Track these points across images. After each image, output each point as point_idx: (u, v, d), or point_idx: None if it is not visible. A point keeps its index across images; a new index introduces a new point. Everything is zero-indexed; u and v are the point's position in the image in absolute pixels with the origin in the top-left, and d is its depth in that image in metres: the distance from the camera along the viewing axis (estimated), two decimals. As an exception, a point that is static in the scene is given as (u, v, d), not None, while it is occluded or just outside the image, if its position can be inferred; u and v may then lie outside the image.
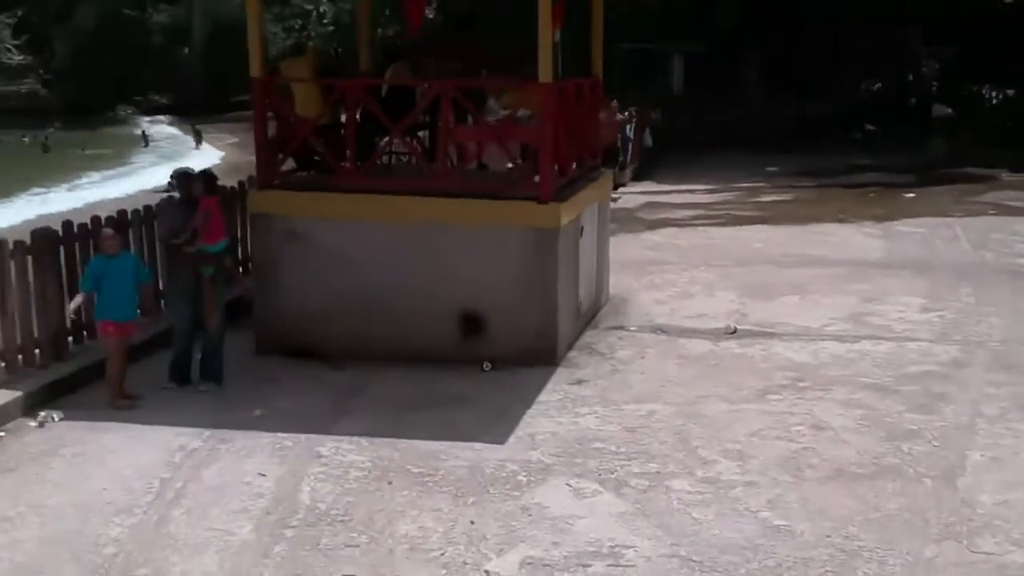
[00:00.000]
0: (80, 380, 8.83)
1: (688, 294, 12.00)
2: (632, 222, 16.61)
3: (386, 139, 10.17)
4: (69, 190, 31.19)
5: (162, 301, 10.11)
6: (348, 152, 9.65)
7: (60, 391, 8.59)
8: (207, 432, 7.71)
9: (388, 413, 8.13)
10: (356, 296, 9.44)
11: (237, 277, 9.47)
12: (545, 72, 8.98)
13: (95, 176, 34.32)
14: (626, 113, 22.00)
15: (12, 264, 8.46)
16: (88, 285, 8.30)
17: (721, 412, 8.07)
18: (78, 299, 8.49)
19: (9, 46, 59.22)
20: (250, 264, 11.01)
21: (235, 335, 9.44)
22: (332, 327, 9.51)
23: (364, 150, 9.98)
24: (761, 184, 21.71)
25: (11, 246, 8.47)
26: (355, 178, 9.48)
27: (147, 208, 10.16)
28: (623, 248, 13.73)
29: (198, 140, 43.11)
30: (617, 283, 12.12)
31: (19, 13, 59.64)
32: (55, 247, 8.95)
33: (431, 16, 23.08)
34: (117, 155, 40.59)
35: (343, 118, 10.22)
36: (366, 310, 9.43)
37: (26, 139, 43.78)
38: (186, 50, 57.56)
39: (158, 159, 38.34)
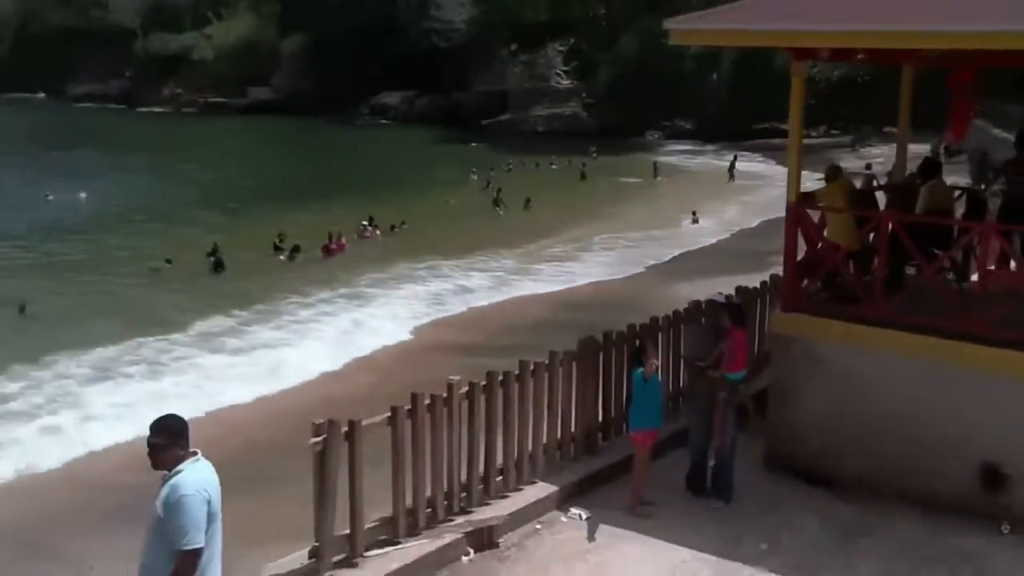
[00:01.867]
0: (607, 476, 9.79)
1: None
2: None
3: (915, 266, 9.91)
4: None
5: (680, 400, 10.90)
6: (877, 284, 9.58)
7: (589, 486, 9.61)
8: (712, 559, 8.21)
9: (895, 569, 8.04)
10: (872, 428, 9.41)
11: (748, 406, 9.86)
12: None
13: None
14: None
15: (560, 369, 9.61)
16: (638, 392, 9.13)
17: None
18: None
19: (559, 71, 65.26)
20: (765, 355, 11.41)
21: (742, 439, 9.87)
22: (843, 455, 9.58)
23: (893, 276, 9.87)
24: None
25: (561, 355, 9.63)
26: (882, 310, 9.41)
27: (675, 314, 10.90)
28: None
29: (731, 173, 43.77)
30: None
31: (571, 41, 65.46)
32: (596, 355, 10.00)
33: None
34: (646, 184, 42.94)
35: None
36: (881, 444, 9.37)
37: (554, 166, 47.72)
38: (714, 76, 59.43)
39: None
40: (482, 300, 23.48)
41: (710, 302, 9.45)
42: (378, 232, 31.18)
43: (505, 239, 30.17)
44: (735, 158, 45.76)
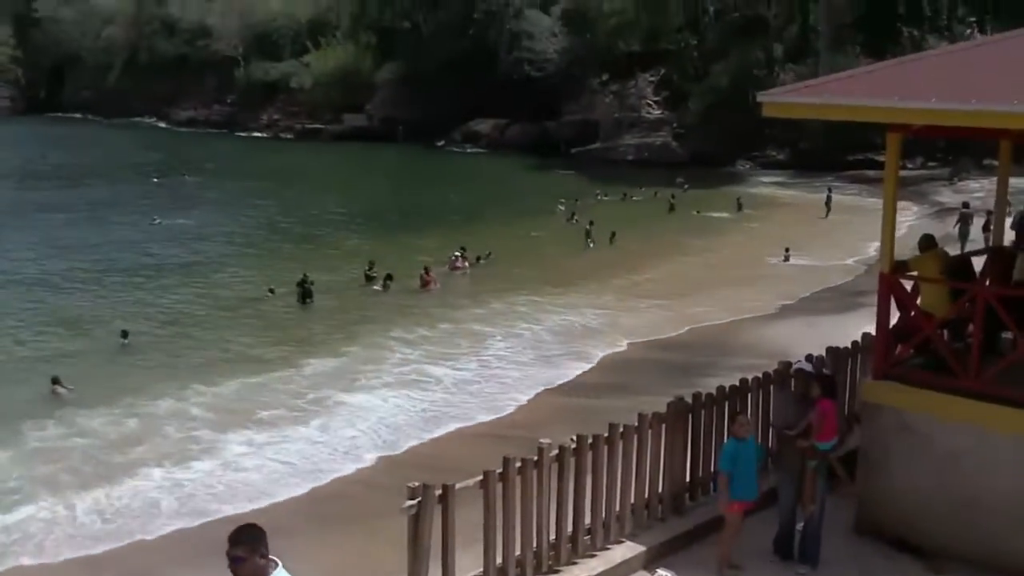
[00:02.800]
0: (694, 536, 9.91)
1: None
2: None
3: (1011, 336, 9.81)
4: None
5: (769, 462, 10.94)
6: (971, 355, 9.52)
7: (676, 546, 9.74)
8: (800, 630, 8.26)
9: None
10: (962, 500, 9.35)
11: (840, 473, 9.84)
12: None
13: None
14: None
15: (649, 432, 9.77)
16: (728, 465, 9.21)
17: None
18: (723, 484, 9.28)
19: (650, 102, 65.33)
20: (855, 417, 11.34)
21: (832, 502, 9.87)
22: (934, 524, 9.53)
23: (987, 343, 9.79)
24: None
25: (649, 416, 9.79)
26: (976, 382, 9.35)
27: (765, 376, 10.96)
28: None
29: (828, 207, 42.78)
30: None
31: (661, 71, 65.52)
32: (685, 416, 10.13)
33: None
34: (736, 217, 42.45)
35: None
36: (971, 516, 9.30)
37: (636, 198, 47.46)
38: (811, 107, 58.76)
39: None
40: (608, 342, 22.16)
41: (799, 371, 9.51)
42: (467, 264, 31.18)
43: (597, 274, 29.81)
44: (830, 191, 44.73)
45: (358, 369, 19.88)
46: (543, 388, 18.88)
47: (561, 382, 19.32)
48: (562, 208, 42.82)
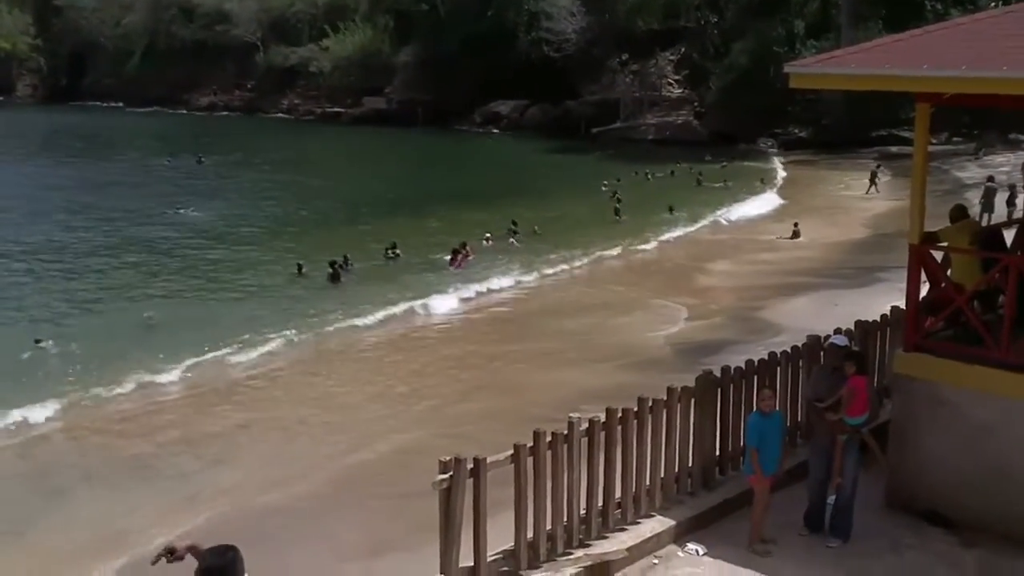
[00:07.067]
0: (724, 510, 9.90)
1: None
2: None
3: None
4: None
5: (799, 435, 10.92)
6: (1004, 327, 9.44)
7: (706, 520, 9.74)
8: (831, 603, 8.25)
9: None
10: (995, 472, 9.30)
11: (873, 447, 9.77)
12: None
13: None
14: None
15: (678, 406, 9.76)
16: (755, 441, 9.17)
17: None
18: (754, 459, 9.15)
19: (671, 80, 64.99)
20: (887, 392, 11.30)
21: (864, 477, 9.83)
22: (966, 498, 9.49)
23: (1021, 316, 9.70)
24: None
25: (678, 390, 9.78)
26: (1008, 354, 9.28)
27: (794, 349, 10.93)
28: None
29: (874, 183, 42.14)
30: None
31: (682, 50, 65.15)
32: (715, 390, 10.11)
33: None
34: (753, 198, 42.09)
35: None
36: (1004, 490, 9.25)
37: (649, 176, 47.42)
38: (830, 83, 58.20)
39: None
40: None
41: (832, 346, 9.47)
42: (513, 241, 30.60)
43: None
44: (878, 167, 43.85)
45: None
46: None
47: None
48: (605, 188, 42.62)
